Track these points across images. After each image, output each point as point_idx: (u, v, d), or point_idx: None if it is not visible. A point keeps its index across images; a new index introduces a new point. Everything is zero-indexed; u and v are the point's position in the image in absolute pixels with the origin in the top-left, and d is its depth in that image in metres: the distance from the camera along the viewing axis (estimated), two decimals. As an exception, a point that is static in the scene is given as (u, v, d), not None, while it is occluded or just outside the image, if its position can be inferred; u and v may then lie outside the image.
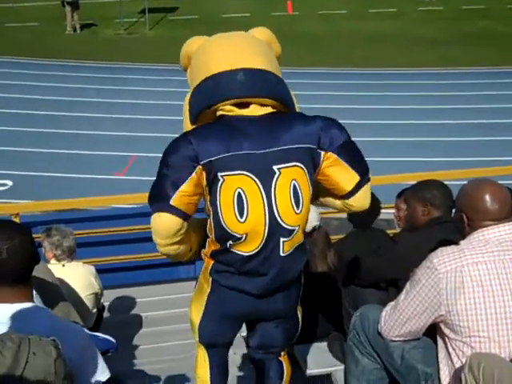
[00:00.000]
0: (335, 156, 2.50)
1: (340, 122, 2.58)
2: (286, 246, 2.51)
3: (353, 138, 2.58)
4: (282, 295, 2.66)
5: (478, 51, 18.66)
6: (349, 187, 2.55)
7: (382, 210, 4.74)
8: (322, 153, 2.50)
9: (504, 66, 17.22)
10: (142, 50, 18.13)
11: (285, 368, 2.96)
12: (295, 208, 2.46)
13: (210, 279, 2.63)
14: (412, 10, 24.42)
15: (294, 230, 2.49)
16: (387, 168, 9.00)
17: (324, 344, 3.79)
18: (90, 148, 11.58)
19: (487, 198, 2.61)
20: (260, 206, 2.41)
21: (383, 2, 25.20)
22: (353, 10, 23.87)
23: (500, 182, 2.76)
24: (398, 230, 4.42)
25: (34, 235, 2.32)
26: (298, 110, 2.64)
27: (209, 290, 2.66)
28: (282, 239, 2.48)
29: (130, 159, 10.97)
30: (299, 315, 2.87)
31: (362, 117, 12.82)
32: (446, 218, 3.38)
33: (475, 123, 12.88)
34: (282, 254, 2.51)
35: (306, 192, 2.48)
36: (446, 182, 3.67)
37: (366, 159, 2.62)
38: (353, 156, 2.56)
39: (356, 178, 2.54)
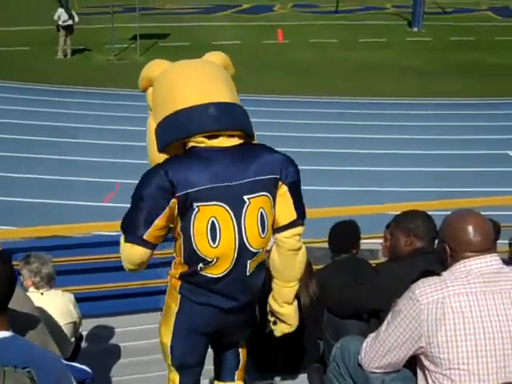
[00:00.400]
0: (286, 189, 2.74)
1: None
2: (251, 267, 2.73)
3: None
4: (248, 307, 2.88)
5: (466, 82, 18.80)
6: (284, 222, 2.77)
7: (366, 240, 4.76)
8: (280, 182, 2.72)
9: (492, 97, 17.35)
10: (132, 75, 18.02)
11: (241, 356, 3.12)
12: (261, 233, 2.69)
13: (179, 297, 2.76)
14: (401, 40, 24.65)
15: (258, 252, 2.73)
16: (372, 198, 9.02)
17: (304, 376, 3.77)
18: (74, 174, 11.54)
19: (470, 229, 2.62)
20: (231, 232, 2.63)
21: (373, 32, 25.47)
22: (343, 39, 24.08)
23: (483, 213, 2.76)
24: (381, 260, 4.43)
25: (13, 262, 2.30)
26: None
27: (177, 309, 2.78)
28: (248, 261, 2.71)
29: (115, 186, 10.92)
30: (257, 310, 3.04)
31: (350, 146, 12.87)
32: (429, 248, 3.39)
33: (463, 154, 12.90)
34: (247, 274, 2.72)
35: (270, 218, 2.72)
36: (430, 213, 3.67)
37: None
38: (298, 196, 2.80)
39: (293, 215, 2.77)
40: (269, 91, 16.50)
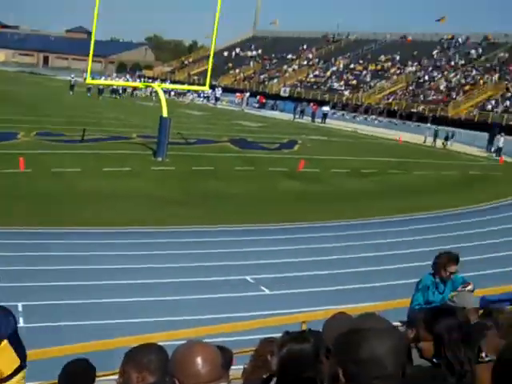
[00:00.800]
0: (6, 342, 2.73)
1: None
2: None
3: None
4: None
5: (206, 211, 19.68)
6: (10, 371, 2.75)
7: (105, 378, 4.56)
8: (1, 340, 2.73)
9: (230, 225, 18.18)
10: None
11: None
12: None
13: None
14: (146, 169, 25.26)
15: None
16: (124, 330, 8.74)
17: None
18: None
19: (198, 360, 2.62)
20: None
21: (118, 161, 25.83)
22: (87, 168, 24.05)
23: (227, 339, 2.78)
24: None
25: None
26: None
27: None
28: None
29: None
30: None
31: (95, 277, 12.59)
32: (161, 383, 3.29)
33: (205, 281, 13.13)
34: None
35: None
36: (162, 344, 3.61)
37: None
38: (19, 342, 2.82)
39: (17, 362, 2.78)
40: (5, 224, 15.75)
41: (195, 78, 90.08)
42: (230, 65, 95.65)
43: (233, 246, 16.00)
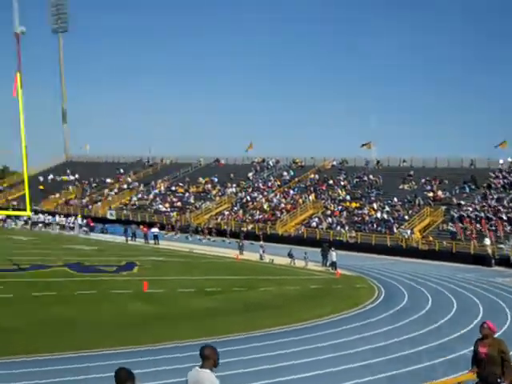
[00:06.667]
0: None
1: None
2: None
3: None
4: None
5: (62, 339, 18.17)
6: None
7: None
8: None
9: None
10: None
11: None
12: None
13: None
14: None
15: None
16: None
17: None
18: None
19: None
20: None
21: None
22: None
23: None
24: None
25: None
26: None
27: None
28: None
29: None
30: None
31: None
32: None
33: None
34: None
35: None
36: None
37: None
38: None
39: None
40: None
41: (14, 203, 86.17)
42: (48, 189, 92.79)
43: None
